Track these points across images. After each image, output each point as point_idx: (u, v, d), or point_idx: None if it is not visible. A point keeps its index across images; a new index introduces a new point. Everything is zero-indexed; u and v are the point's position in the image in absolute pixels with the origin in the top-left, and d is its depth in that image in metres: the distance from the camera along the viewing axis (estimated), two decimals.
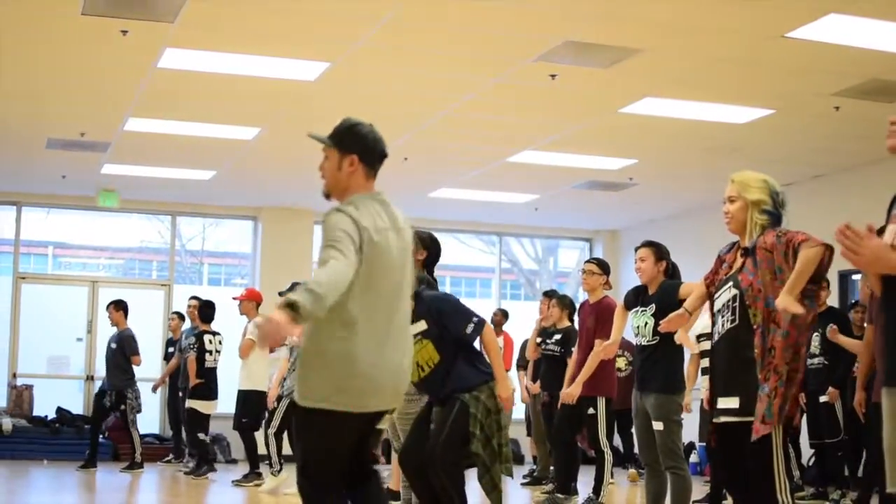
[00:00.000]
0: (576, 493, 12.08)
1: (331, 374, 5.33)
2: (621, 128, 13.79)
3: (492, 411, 7.49)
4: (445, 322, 7.56)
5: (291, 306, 4.85)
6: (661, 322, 7.26)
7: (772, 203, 6.32)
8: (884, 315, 4.48)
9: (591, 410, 10.51)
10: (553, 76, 11.51)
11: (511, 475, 7.81)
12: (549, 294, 14.50)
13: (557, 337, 13.20)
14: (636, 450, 9.95)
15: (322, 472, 5.49)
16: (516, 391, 15.91)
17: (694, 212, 18.70)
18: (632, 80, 11.80)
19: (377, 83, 12.04)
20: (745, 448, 6.02)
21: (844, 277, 15.53)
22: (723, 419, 6.23)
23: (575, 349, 11.26)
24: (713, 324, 6.38)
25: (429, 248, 7.97)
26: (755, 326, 6.06)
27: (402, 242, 5.61)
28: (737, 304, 6.18)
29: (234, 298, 14.63)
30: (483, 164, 15.99)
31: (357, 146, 5.61)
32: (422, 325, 7.56)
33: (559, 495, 11.72)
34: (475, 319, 7.59)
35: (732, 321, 6.19)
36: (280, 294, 12.85)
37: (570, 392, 10.50)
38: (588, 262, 11.09)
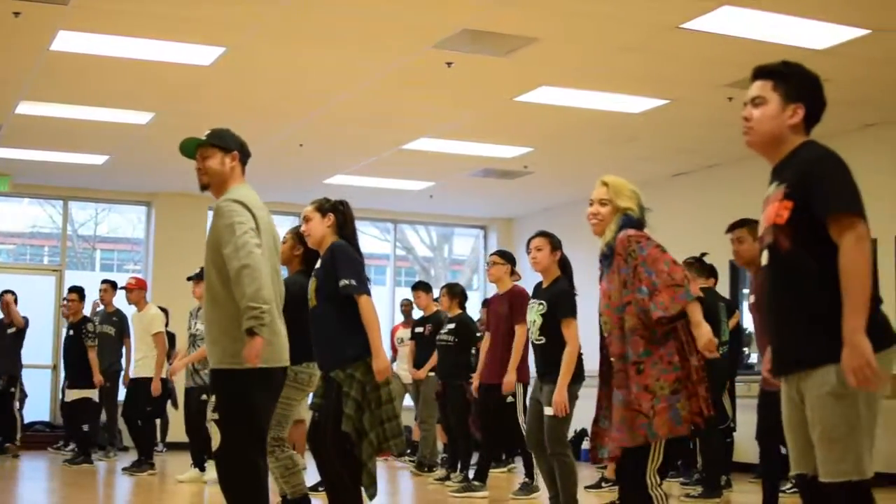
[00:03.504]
0: (467, 479, 12.34)
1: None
2: (517, 116, 13.83)
3: (369, 387, 7.41)
4: (336, 266, 7.49)
5: (253, 332, 5.87)
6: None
7: (638, 211, 6.42)
8: (774, 306, 4.56)
9: (510, 398, 10.52)
10: (449, 64, 11.52)
11: (398, 452, 7.78)
12: (420, 287, 14.67)
13: (451, 326, 13.21)
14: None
15: (259, 431, 6.23)
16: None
17: (588, 201, 18.74)
18: (528, 69, 11.83)
19: (273, 69, 11.97)
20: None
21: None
22: None
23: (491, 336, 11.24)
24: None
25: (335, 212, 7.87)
26: (606, 334, 6.20)
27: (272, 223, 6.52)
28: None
29: (122, 287, 14.50)
30: (379, 150, 15.97)
31: (236, 145, 6.51)
32: (318, 264, 7.65)
33: (476, 483, 11.80)
34: (355, 282, 7.47)
35: (605, 323, 6.30)
36: (189, 279, 12.79)
37: (509, 381, 10.45)
38: (493, 254, 11.18)
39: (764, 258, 4.59)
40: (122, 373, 15.62)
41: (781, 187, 4.49)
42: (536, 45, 10.97)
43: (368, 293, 7.51)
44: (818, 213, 4.35)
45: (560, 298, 8.85)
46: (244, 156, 6.55)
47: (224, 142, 6.46)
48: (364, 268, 7.69)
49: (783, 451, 8.81)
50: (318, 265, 7.68)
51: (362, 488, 7.52)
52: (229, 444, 6.06)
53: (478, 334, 13.25)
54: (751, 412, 10.40)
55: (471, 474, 12.21)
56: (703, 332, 6.13)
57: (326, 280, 7.51)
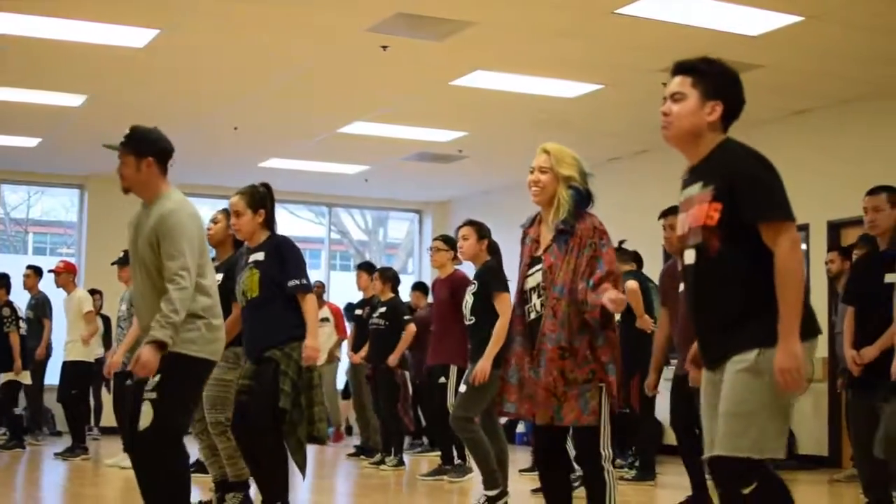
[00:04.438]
0: (402, 464, 12.58)
1: (211, 327, 6.22)
2: (452, 100, 13.84)
3: (304, 368, 7.44)
4: (285, 264, 7.51)
5: (159, 345, 5.93)
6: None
7: (581, 181, 6.29)
8: (702, 304, 4.59)
9: (441, 379, 10.53)
10: (385, 47, 11.50)
11: (324, 438, 7.76)
12: (363, 267, 14.63)
13: (382, 310, 13.21)
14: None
15: (191, 416, 6.55)
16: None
17: (524, 185, 18.69)
18: (463, 53, 11.83)
19: (207, 51, 11.91)
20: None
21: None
22: None
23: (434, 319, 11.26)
24: (525, 301, 6.23)
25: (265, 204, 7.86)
26: (541, 308, 6.11)
27: None
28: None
29: (51, 271, 14.39)
30: (314, 134, 15.93)
31: (151, 150, 6.38)
32: (260, 256, 7.60)
33: (447, 466, 11.89)
34: (304, 282, 7.56)
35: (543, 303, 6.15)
36: (113, 264, 12.71)
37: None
38: (435, 239, 11.16)
39: (689, 257, 4.62)
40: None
41: (708, 189, 4.51)
42: (472, 30, 10.98)
43: (312, 289, 7.59)
44: (749, 219, 4.40)
45: (489, 275, 9.02)
46: (162, 158, 6.40)
47: (138, 147, 6.38)
48: (305, 262, 7.81)
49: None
50: (257, 256, 7.64)
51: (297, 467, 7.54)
52: (164, 425, 6.02)
53: (406, 317, 13.22)
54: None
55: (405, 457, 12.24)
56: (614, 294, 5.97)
57: (271, 274, 7.54)
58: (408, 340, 13.03)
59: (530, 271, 6.24)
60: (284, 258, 7.59)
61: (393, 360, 12.92)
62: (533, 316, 6.16)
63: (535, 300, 6.18)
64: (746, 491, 4.42)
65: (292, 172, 18.16)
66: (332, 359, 16.31)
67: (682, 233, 4.67)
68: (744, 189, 4.41)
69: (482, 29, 10.97)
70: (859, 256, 8.81)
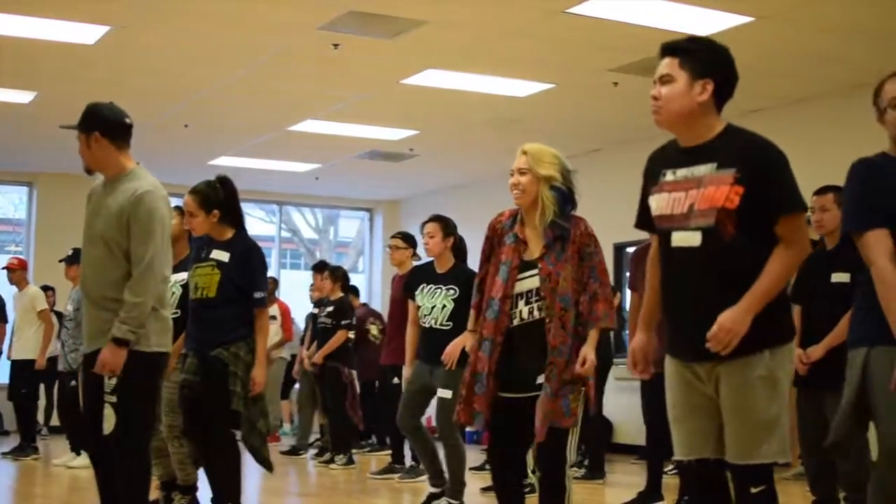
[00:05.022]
0: (352, 462, 12.74)
1: (160, 318, 6.05)
2: (403, 99, 13.83)
3: (251, 367, 7.39)
4: (252, 275, 7.45)
5: (122, 343, 5.82)
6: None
7: (562, 180, 6.13)
8: (702, 290, 4.49)
9: (395, 380, 10.51)
10: (336, 45, 11.48)
11: (268, 432, 7.74)
12: (318, 267, 14.59)
13: (330, 309, 13.22)
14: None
15: (155, 415, 6.38)
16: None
17: (475, 184, 18.87)
18: (415, 52, 11.83)
19: (158, 48, 11.85)
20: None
21: (619, 249, 15.84)
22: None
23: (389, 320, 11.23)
24: (508, 307, 6.06)
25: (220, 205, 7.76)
26: (547, 320, 5.96)
27: None
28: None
29: (4, 268, 14.30)
30: (265, 132, 15.89)
31: (97, 124, 6.12)
32: (224, 256, 7.49)
33: (397, 465, 11.88)
34: (264, 297, 7.49)
35: (540, 309, 6.03)
36: (61, 261, 12.63)
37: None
38: (393, 237, 11.09)
39: (688, 239, 4.48)
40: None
41: (728, 172, 4.40)
42: (423, 28, 10.98)
43: (267, 304, 7.55)
44: (778, 208, 4.38)
45: (471, 286, 8.87)
46: (111, 131, 6.11)
47: (85, 123, 6.14)
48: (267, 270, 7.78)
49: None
50: (222, 256, 7.52)
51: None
52: (128, 427, 5.92)
53: (344, 321, 13.19)
54: (630, 394, 10.53)
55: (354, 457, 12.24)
56: (591, 360, 6.02)
57: (233, 279, 7.45)
58: (335, 345, 13.02)
59: (521, 275, 6.08)
60: (254, 268, 7.50)
61: (318, 357, 12.95)
62: (516, 322, 6.05)
63: (523, 306, 6.06)
64: (756, 490, 4.45)
65: (243, 170, 18.07)
66: (272, 361, 16.14)
67: (678, 212, 4.52)
68: (774, 178, 4.37)
69: (434, 28, 10.97)
70: (807, 256, 8.85)
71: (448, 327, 8.89)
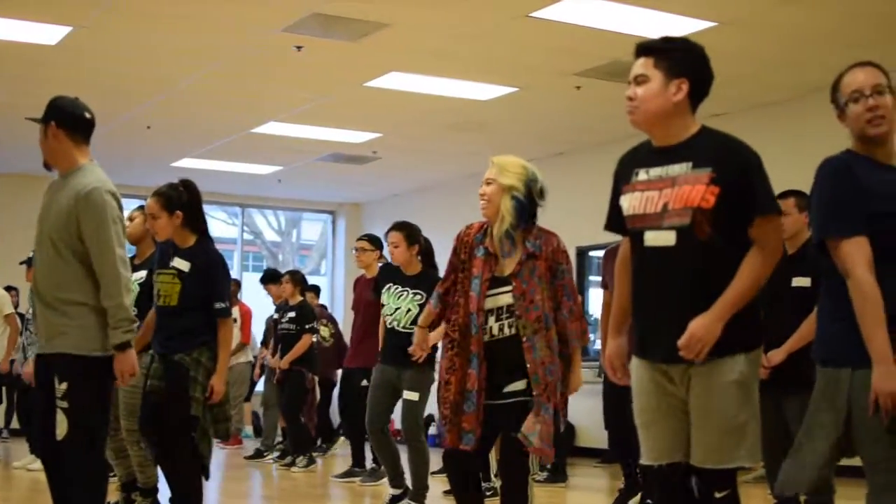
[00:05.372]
0: (313, 462, 12.79)
1: (102, 321, 5.86)
2: (366, 101, 13.82)
3: (212, 373, 7.35)
4: (213, 285, 7.39)
5: (125, 346, 5.79)
6: None
7: (525, 191, 6.05)
8: (676, 290, 4.46)
9: (364, 382, 10.46)
10: (299, 48, 11.46)
11: (228, 436, 7.69)
12: (268, 279, 14.64)
13: (292, 314, 13.19)
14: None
15: (108, 420, 6.28)
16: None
17: (438, 187, 18.87)
18: (378, 55, 11.82)
19: (120, 49, 11.79)
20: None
21: (583, 253, 15.86)
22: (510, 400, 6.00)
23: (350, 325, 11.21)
24: (480, 322, 5.99)
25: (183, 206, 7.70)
26: (524, 339, 5.89)
27: None
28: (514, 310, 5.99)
29: None
30: (227, 134, 15.84)
31: (54, 115, 6.05)
32: (185, 266, 7.40)
33: (358, 469, 11.87)
34: (226, 305, 7.42)
35: (511, 326, 5.97)
36: (22, 263, 12.56)
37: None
38: (359, 239, 11.07)
39: (662, 239, 4.46)
40: None
41: (704, 171, 4.40)
42: (386, 31, 10.97)
43: (231, 313, 7.50)
44: (754, 209, 4.38)
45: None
46: (68, 124, 6.03)
47: (45, 115, 6.07)
48: (230, 280, 7.72)
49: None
50: (182, 265, 7.41)
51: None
52: (80, 431, 5.84)
53: (308, 326, 13.17)
54: (592, 398, 10.52)
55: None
56: (579, 378, 6.11)
57: (194, 290, 7.36)
58: (301, 350, 13.00)
59: (492, 291, 5.99)
60: (214, 280, 7.40)
61: (284, 363, 12.92)
62: (486, 339, 5.97)
63: (493, 322, 5.99)
64: (720, 495, 4.45)
65: (205, 172, 18.02)
66: (240, 368, 16.02)
67: (651, 211, 4.49)
68: (753, 179, 4.38)
69: (397, 30, 10.96)
70: (779, 259, 8.84)
71: (412, 331, 8.86)
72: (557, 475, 11.60)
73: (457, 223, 6.55)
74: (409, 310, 9.02)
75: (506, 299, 5.97)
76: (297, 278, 13.49)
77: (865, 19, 10.40)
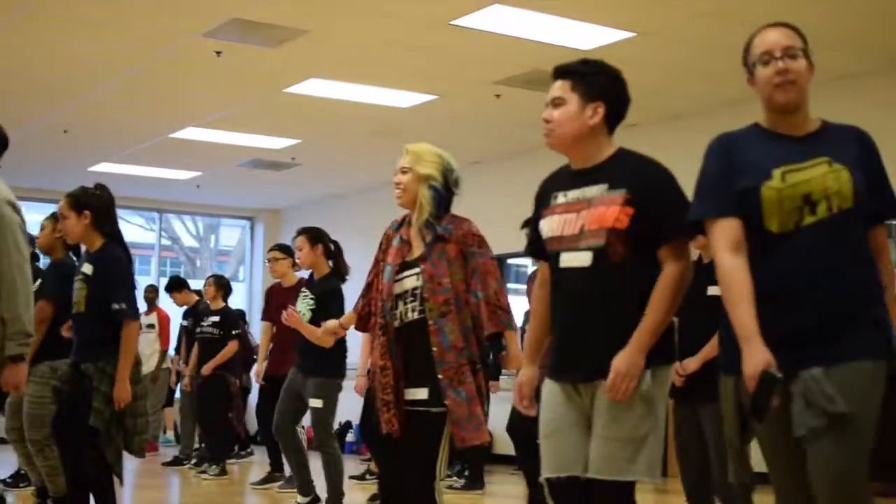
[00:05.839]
0: (225, 473, 12.80)
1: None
2: (286, 108, 13.79)
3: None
4: (108, 286, 7.30)
5: (17, 359, 5.60)
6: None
7: (442, 181, 6.12)
8: (590, 311, 4.45)
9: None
10: (218, 53, 11.41)
11: (142, 452, 7.59)
12: (173, 286, 14.64)
13: (215, 319, 13.11)
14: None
15: None
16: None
17: (356, 193, 18.87)
18: (297, 61, 11.80)
19: (37, 53, 11.69)
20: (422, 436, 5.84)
21: (500, 261, 15.89)
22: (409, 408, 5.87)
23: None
24: (390, 307, 5.92)
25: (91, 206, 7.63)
26: (430, 322, 5.78)
27: None
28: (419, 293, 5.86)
29: None
30: (146, 139, 15.74)
31: None
32: (89, 269, 7.30)
33: (277, 474, 11.85)
34: (126, 306, 7.23)
35: (420, 311, 5.85)
36: None
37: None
38: (271, 250, 11.09)
39: (578, 260, 4.44)
40: None
41: (618, 192, 4.40)
42: (306, 37, 10.95)
43: (137, 317, 7.37)
44: (666, 232, 4.35)
45: (328, 298, 8.99)
46: None
47: None
48: (133, 277, 7.53)
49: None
50: (87, 269, 7.32)
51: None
52: None
53: (235, 331, 13.11)
54: (508, 405, 10.57)
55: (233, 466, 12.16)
56: (515, 357, 5.93)
57: (96, 292, 7.26)
58: (228, 355, 12.95)
59: (400, 276, 5.93)
60: (109, 279, 7.25)
61: (207, 369, 12.84)
62: (396, 324, 5.88)
63: (403, 307, 5.89)
64: None
65: (123, 177, 17.91)
66: (157, 376, 15.86)
67: (569, 233, 4.48)
68: (668, 203, 4.37)
69: (317, 37, 10.95)
70: (689, 278, 8.92)
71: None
72: (475, 482, 11.64)
73: (376, 229, 6.52)
74: (303, 314, 9.05)
75: (412, 282, 5.88)
76: (222, 283, 13.40)
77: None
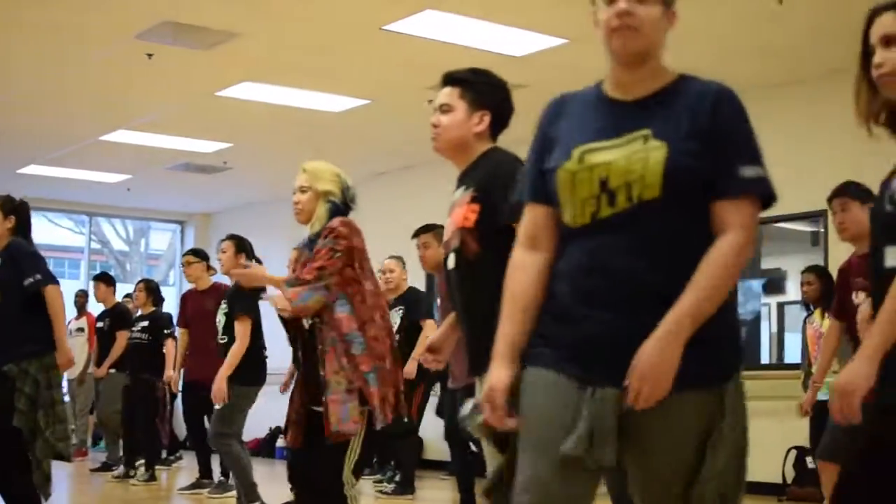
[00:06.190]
0: (154, 479, 12.63)
1: None
2: (218, 111, 13.74)
3: (42, 385, 7.21)
4: (17, 265, 7.25)
5: None
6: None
7: (341, 197, 6.24)
8: (465, 308, 4.54)
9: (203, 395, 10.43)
10: (150, 55, 11.34)
11: (68, 457, 7.52)
12: (100, 278, 14.57)
13: (144, 324, 13.01)
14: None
15: None
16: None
17: (288, 198, 18.70)
18: (229, 64, 11.76)
19: None
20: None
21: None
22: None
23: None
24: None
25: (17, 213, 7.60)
26: (306, 324, 5.94)
27: None
28: None
29: None
30: (75, 141, 15.61)
31: None
32: None
33: (205, 480, 11.79)
34: (40, 276, 7.26)
35: (310, 323, 5.96)
36: None
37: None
38: (185, 254, 11.16)
39: (450, 261, 4.55)
40: None
41: (469, 191, 4.50)
42: (238, 41, 10.92)
43: (56, 282, 7.35)
44: (505, 219, 4.21)
45: (235, 297, 9.06)
46: None
47: None
48: (44, 261, 7.53)
49: (473, 448, 9.04)
50: None
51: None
52: None
53: (166, 331, 13.03)
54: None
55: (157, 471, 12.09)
56: (281, 297, 5.90)
57: (6, 280, 7.25)
58: (172, 357, 12.85)
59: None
60: (15, 259, 7.26)
61: (168, 376, 12.69)
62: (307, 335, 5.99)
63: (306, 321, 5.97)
64: None
65: (52, 179, 17.79)
66: (84, 378, 15.73)
67: (447, 238, 4.60)
68: (497, 190, 4.38)
69: (249, 40, 10.92)
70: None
71: (224, 341, 9.13)
72: (406, 487, 11.63)
73: (306, 234, 6.55)
74: (220, 320, 9.29)
75: None
76: (152, 287, 13.31)
77: (705, 41, 10.60)
